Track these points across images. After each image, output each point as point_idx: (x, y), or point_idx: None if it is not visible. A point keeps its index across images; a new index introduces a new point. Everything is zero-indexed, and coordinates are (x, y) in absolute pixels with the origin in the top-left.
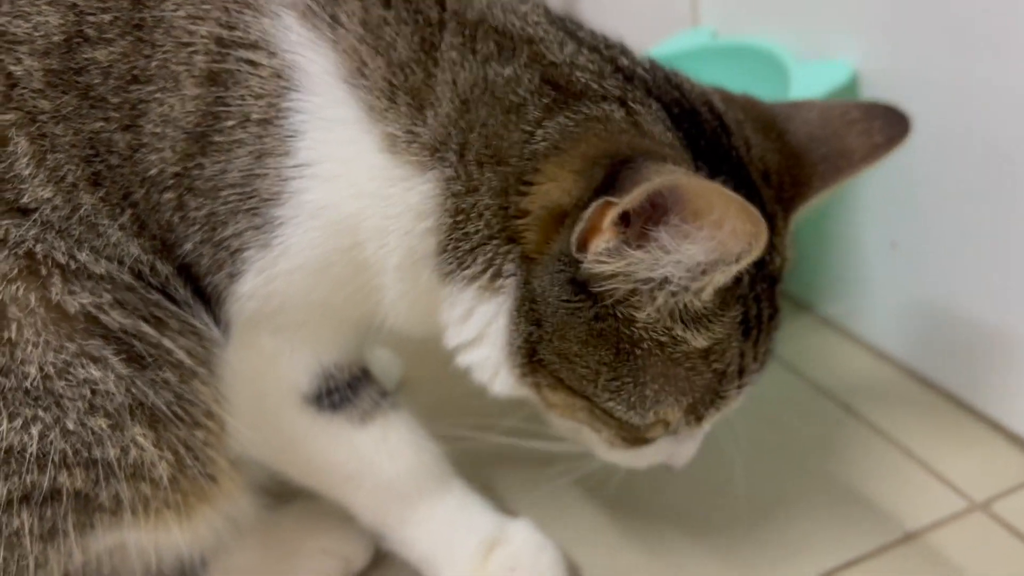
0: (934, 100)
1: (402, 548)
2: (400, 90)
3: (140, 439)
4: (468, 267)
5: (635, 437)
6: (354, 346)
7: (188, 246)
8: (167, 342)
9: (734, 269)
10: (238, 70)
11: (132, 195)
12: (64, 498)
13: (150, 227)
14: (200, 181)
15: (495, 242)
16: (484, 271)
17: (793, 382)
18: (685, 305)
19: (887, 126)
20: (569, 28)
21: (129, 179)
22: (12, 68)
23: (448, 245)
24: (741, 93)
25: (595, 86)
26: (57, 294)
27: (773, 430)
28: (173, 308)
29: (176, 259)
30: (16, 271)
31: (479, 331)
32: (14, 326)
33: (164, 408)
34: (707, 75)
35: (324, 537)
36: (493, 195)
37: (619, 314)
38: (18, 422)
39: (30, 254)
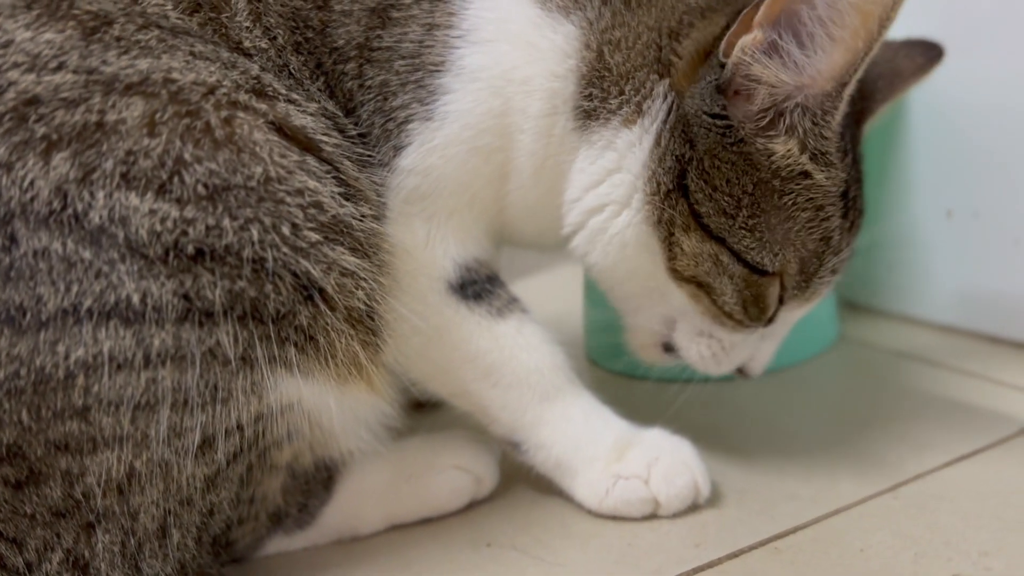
0: (982, 78)
1: (537, 453)
2: None
3: (344, 259)
4: (614, 97)
5: (754, 296)
6: (490, 243)
7: (363, 114)
8: (363, 183)
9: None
10: None
11: (323, 64)
12: (264, 318)
13: (336, 96)
14: (378, 52)
15: (644, 71)
16: (632, 98)
17: (874, 355)
18: (817, 134)
19: (926, 51)
20: None
21: (320, 51)
22: None
23: (592, 79)
24: None
25: None
26: (281, 109)
27: (876, 375)
28: (366, 156)
29: (357, 126)
30: (248, 84)
31: (618, 159)
32: (245, 127)
33: (362, 238)
34: None
35: (456, 454)
36: (647, 30)
37: (759, 145)
38: (239, 221)
39: (258, 78)
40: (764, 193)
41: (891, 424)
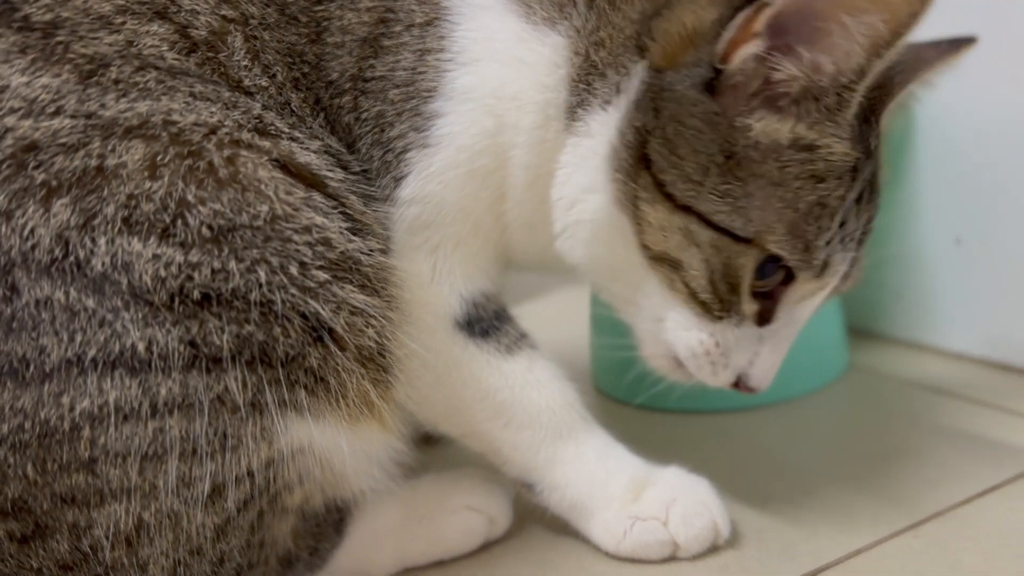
0: (991, 103)
1: (552, 494)
2: None
3: (354, 297)
4: (598, 87)
5: (724, 268)
6: (497, 273)
7: (363, 148)
8: (370, 216)
9: (904, 37)
10: None
11: (321, 100)
12: (273, 362)
13: (337, 131)
14: (372, 82)
15: (627, 55)
16: (612, 79)
17: (885, 385)
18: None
19: (955, 41)
20: None
21: (317, 86)
22: None
23: (581, 78)
24: None
25: None
26: (285, 147)
27: (887, 406)
28: (370, 192)
29: (359, 162)
30: (250, 123)
31: (593, 144)
32: (249, 165)
33: (371, 274)
34: None
35: (469, 494)
36: (630, 23)
37: (750, 121)
38: (246, 263)
39: (260, 117)
40: (736, 159)
41: (906, 457)
